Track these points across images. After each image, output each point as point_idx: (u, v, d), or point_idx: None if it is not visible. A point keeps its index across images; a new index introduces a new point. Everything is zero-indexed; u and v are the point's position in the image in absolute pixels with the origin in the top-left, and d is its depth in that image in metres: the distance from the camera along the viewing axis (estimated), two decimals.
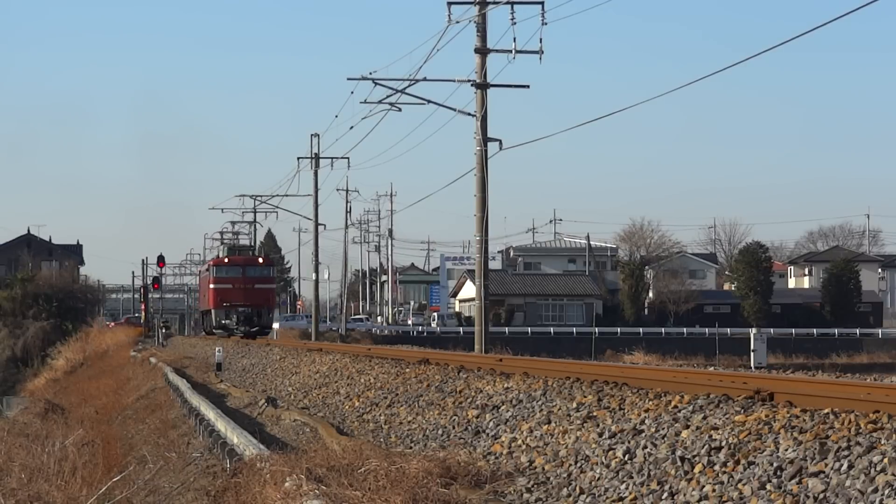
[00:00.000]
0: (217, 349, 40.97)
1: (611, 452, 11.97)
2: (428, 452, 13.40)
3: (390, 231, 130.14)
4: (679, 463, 10.86)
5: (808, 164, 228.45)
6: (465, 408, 17.02)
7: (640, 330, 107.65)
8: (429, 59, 45.73)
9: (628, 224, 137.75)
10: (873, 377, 33.98)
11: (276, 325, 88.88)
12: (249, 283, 70.40)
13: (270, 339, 64.43)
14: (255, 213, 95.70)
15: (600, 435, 12.69)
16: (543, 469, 12.38)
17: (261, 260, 74.53)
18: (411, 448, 15.31)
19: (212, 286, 71.88)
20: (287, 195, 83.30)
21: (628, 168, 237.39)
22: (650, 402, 13.34)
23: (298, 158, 73.94)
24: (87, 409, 37.76)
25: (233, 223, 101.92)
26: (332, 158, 72.16)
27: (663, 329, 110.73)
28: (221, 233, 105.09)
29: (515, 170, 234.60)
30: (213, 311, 72.07)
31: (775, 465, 9.95)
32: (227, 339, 60.17)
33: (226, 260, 73.15)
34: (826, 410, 11.03)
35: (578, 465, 12.09)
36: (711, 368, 39.19)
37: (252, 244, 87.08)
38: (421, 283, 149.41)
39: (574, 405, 14.45)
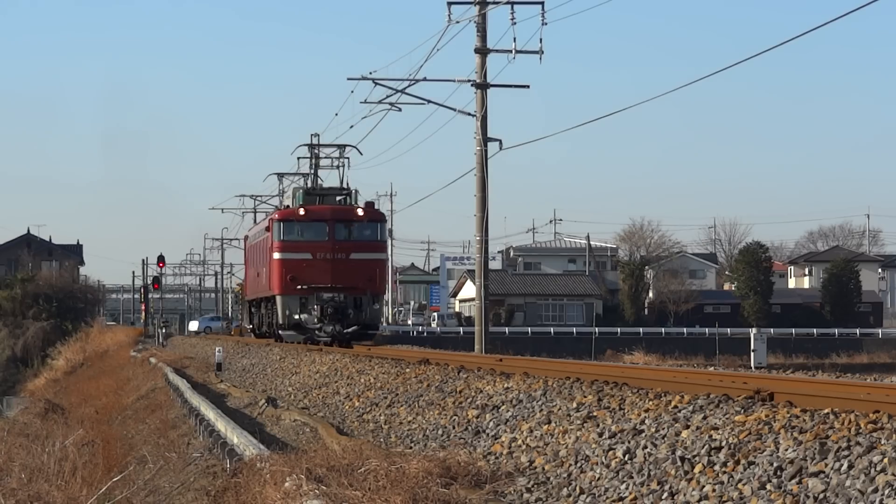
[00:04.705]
0: (217, 349, 40.93)
1: (611, 452, 11.96)
2: (428, 452, 13.38)
3: (390, 231, 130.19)
4: (679, 463, 10.85)
5: (808, 164, 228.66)
6: (465, 408, 17.00)
7: (640, 330, 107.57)
8: (429, 59, 45.96)
9: (628, 224, 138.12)
10: (873, 377, 33.96)
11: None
12: (342, 252, 41.66)
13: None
14: (255, 212, 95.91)
15: (600, 435, 12.68)
16: (543, 469, 12.37)
17: (360, 212, 42.61)
18: (411, 448, 15.30)
19: (276, 256, 42.33)
20: (286, 195, 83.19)
21: (628, 168, 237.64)
22: (650, 402, 13.33)
23: (298, 158, 73.40)
24: (87, 409, 37.71)
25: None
26: (332, 158, 71.87)
27: (663, 329, 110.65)
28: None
29: (515, 170, 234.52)
30: (279, 299, 42.73)
31: (775, 465, 9.94)
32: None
33: (301, 212, 42.28)
34: (826, 410, 11.02)
35: (578, 465, 12.08)
36: (711, 368, 39.20)
37: (344, 185, 47.28)
38: (421, 283, 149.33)
39: (574, 405, 14.44)
